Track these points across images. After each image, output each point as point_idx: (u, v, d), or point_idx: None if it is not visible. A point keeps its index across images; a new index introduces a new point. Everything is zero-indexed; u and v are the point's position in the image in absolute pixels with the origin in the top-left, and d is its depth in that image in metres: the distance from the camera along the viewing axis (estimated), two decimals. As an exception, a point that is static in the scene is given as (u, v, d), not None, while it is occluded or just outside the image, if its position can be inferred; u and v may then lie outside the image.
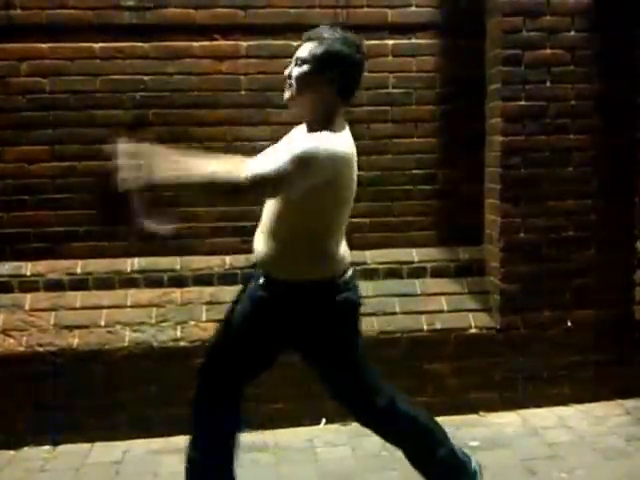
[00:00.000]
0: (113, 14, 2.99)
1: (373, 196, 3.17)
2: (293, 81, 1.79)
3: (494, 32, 3.01)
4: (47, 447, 2.78)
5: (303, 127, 1.91)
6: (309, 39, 1.81)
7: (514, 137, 2.96)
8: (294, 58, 1.81)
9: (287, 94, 1.82)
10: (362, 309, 2.95)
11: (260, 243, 1.91)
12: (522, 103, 2.95)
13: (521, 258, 3.01)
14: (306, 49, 1.79)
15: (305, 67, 1.78)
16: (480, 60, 3.10)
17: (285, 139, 1.99)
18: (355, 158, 1.86)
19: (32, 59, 2.98)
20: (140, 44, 3.03)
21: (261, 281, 1.91)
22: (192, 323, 2.93)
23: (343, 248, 1.94)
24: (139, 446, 2.76)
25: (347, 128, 1.87)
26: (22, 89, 2.99)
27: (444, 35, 3.15)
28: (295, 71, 1.79)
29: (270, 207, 1.87)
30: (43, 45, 2.98)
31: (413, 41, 3.15)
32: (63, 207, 3.04)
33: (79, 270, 3.01)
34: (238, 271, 3.07)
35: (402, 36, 3.14)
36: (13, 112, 2.99)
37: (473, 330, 3.02)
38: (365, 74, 3.04)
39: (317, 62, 1.77)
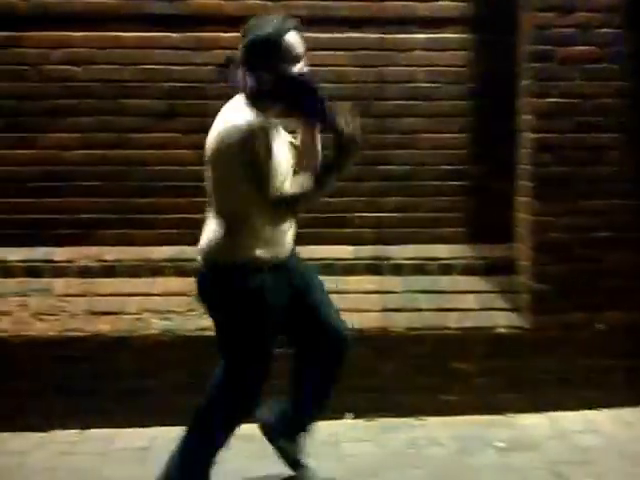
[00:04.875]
0: (144, 4, 3.01)
1: (401, 191, 3.16)
2: None
3: (526, 27, 2.96)
4: (75, 431, 2.81)
5: None
6: None
7: (545, 134, 2.92)
8: None
9: None
10: (388, 304, 3.00)
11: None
12: (553, 100, 2.90)
13: (552, 258, 2.96)
14: None
15: None
16: (511, 55, 3.05)
17: None
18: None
19: (65, 47, 3.02)
20: (169, 34, 3.04)
21: None
22: (218, 313, 2.94)
23: None
24: (166, 433, 2.76)
25: None
26: (55, 77, 3.02)
27: (475, 30, 3.12)
28: None
29: None
30: (75, 34, 3.01)
31: (443, 35, 3.12)
32: (94, 194, 3.07)
33: (109, 257, 3.05)
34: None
35: (432, 30, 3.12)
36: (46, 99, 3.03)
37: (501, 330, 2.96)
38: (395, 68, 3.15)
39: None
